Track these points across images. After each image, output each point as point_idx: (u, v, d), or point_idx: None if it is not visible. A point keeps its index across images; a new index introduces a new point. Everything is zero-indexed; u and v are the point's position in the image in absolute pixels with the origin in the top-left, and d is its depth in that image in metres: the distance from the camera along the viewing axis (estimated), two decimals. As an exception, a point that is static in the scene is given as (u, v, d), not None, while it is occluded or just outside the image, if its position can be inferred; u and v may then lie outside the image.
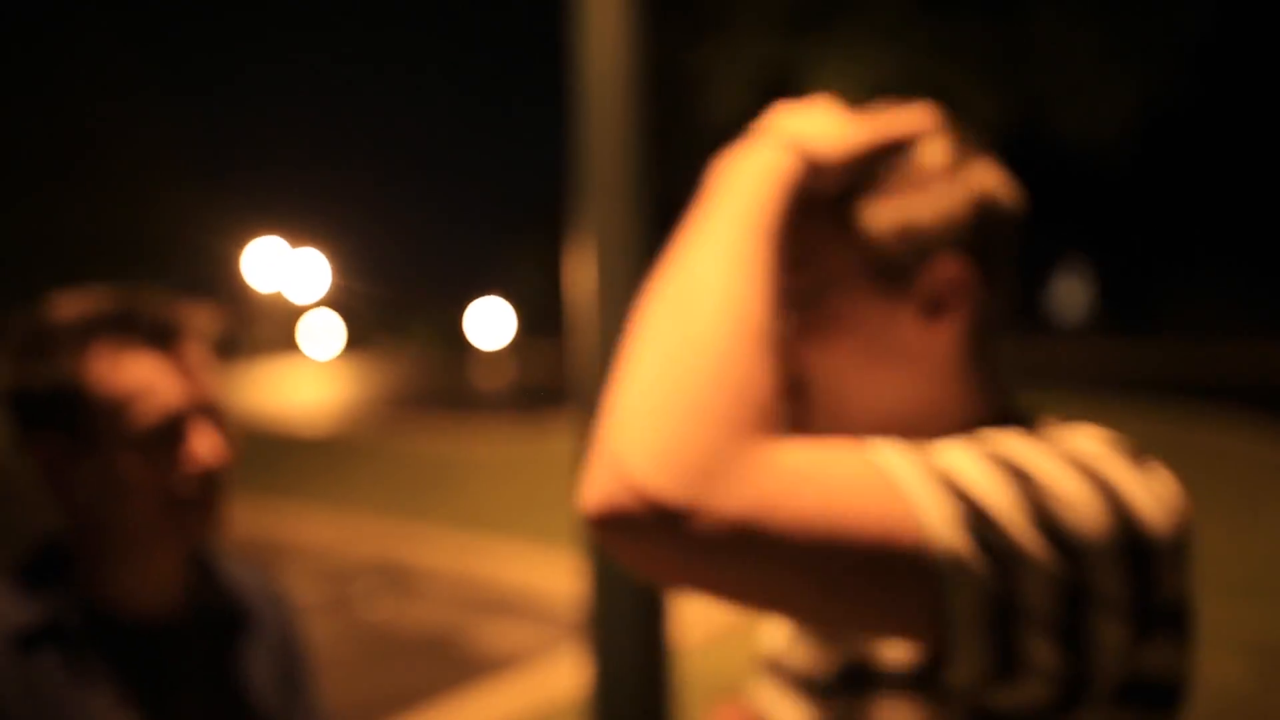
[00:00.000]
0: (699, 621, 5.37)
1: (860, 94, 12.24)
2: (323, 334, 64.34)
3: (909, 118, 0.93)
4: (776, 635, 1.11)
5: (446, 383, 26.16)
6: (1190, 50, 13.53)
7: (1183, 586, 0.80)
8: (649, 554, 0.70)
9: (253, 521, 9.45)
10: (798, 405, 0.92)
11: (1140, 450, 0.82)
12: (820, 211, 0.91)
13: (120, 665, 1.18)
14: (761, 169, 0.86)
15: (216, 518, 1.22)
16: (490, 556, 7.79)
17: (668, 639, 2.16)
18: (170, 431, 1.17)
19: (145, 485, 1.15)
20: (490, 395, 22.85)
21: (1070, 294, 36.46)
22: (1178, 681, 0.82)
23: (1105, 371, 19.56)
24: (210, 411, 1.21)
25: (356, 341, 64.16)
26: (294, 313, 55.36)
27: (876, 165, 0.91)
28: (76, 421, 1.14)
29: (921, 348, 0.91)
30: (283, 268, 46.73)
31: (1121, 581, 0.73)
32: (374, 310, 66.59)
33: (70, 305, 1.19)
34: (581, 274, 1.97)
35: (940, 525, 0.71)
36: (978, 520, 0.72)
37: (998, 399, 0.95)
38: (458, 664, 5.73)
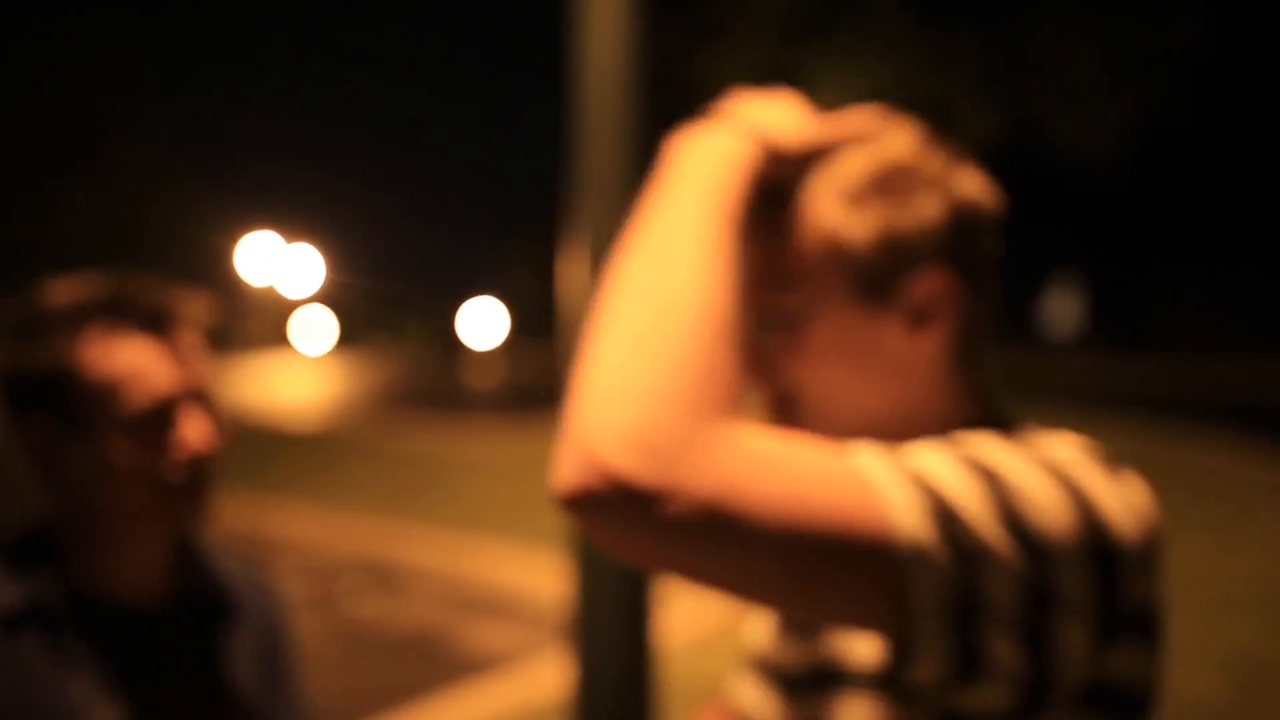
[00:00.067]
0: (684, 625, 5.38)
1: (857, 103, 12.29)
2: (315, 330, 64.19)
3: (868, 119, 0.95)
4: (759, 630, 1.12)
5: (438, 381, 26.11)
6: (1186, 65, 13.59)
7: (1151, 594, 0.81)
8: (618, 535, 0.71)
9: (241, 516, 9.42)
10: (789, 417, 0.93)
11: (1115, 458, 0.83)
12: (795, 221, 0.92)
13: (103, 649, 1.18)
14: (722, 154, 0.86)
15: (204, 505, 1.23)
16: (478, 556, 7.78)
17: (651, 641, 2.16)
18: (161, 417, 1.17)
19: (134, 470, 1.16)
20: (482, 395, 22.82)
21: (1062, 308, 36.56)
22: (1145, 688, 0.83)
23: (1096, 386, 19.62)
24: (201, 398, 1.21)
25: (349, 338, 64.03)
26: (287, 307, 55.22)
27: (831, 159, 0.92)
28: (68, 405, 1.14)
29: (908, 357, 0.92)
30: (277, 262, 46.62)
31: (1086, 585, 0.74)
32: (367, 307, 66.46)
33: (63, 290, 1.19)
34: (576, 275, 1.98)
35: (905, 516, 0.72)
36: (944, 515, 0.73)
37: (983, 405, 0.96)
38: (442, 663, 5.72)
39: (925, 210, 0.90)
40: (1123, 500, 0.77)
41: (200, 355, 1.22)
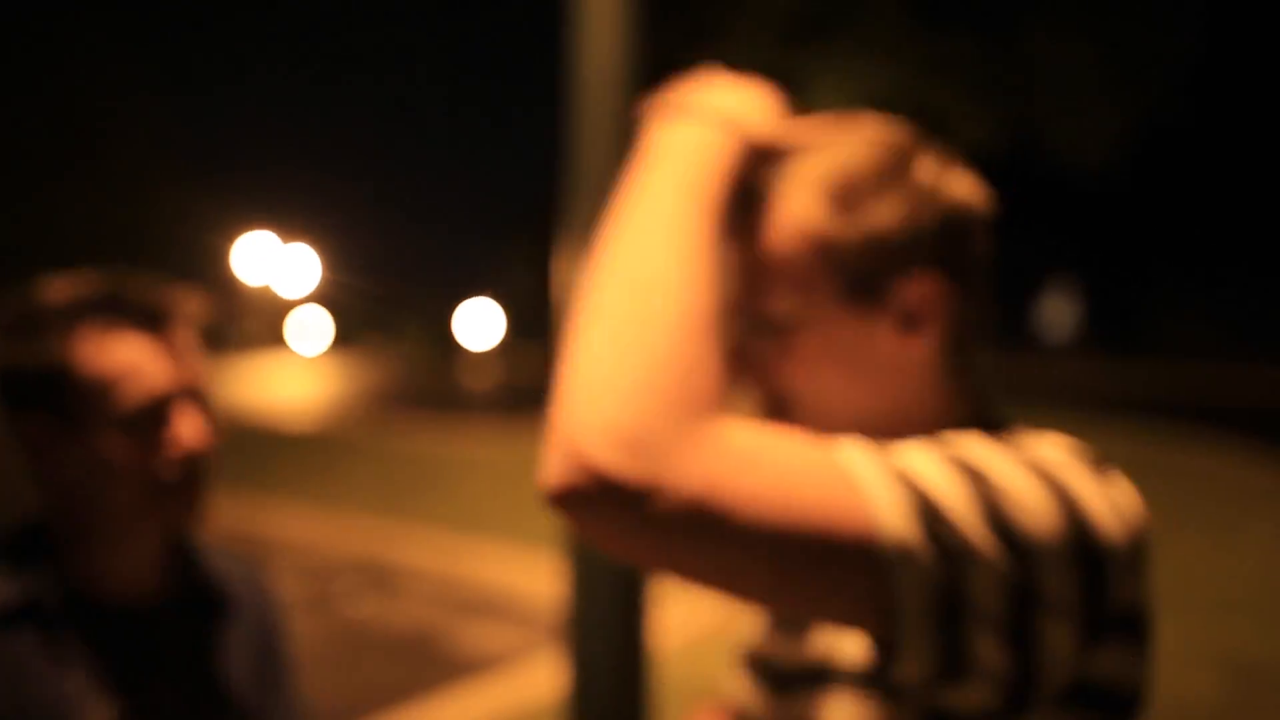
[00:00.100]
0: (679, 625, 5.38)
1: (855, 106, 12.27)
2: (311, 330, 64.14)
3: (846, 120, 0.95)
4: (753, 627, 1.12)
5: (434, 382, 26.09)
6: (1183, 67, 13.62)
7: (1138, 595, 0.81)
8: (606, 531, 0.71)
9: (236, 516, 9.41)
10: (783, 418, 0.93)
11: (1103, 460, 0.83)
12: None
13: (98, 647, 1.19)
14: (700, 145, 0.86)
15: (199, 503, 1.23)
16: (473, 557, 7.78)
17: (646, 642, 2.16)
18: (155, 414, 1.17)
19: (128, 467, 1.16)
20: (477, 396, 22.81)
21: (1058, 312, 36.61)
22: (1133, 689, 0.83)
23: (1092, 389, 19.64)
24: (196, 396, 1.22)
25: (345, 338, 63.97)
26: (283, 307, 55.15)
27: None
28: (63, 402, 1.15)
29: (899, 360, 0.92)
30: (273, 262, 46.59)
31: (1072, 586, 0.74)
32: (363, 307, 66.43)
33: (59, 287, 1.19)
34: (571, 275, 1.97)
35: (890, 514, 0.72)
36: (928, 513, 0.73)
37: (974, 407, 0.96)
38: (438, 664, 5.71)
39: (916, 212, 0.90)
40: (1110, 502, 0.78)
41: (195, 353, 1.23)
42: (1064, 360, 27.41)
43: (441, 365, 34.37)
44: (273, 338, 50.73)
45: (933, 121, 13.06)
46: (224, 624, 1.33)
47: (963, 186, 0.93)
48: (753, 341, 0.93)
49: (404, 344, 58.96)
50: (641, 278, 0.77)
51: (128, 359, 1.15)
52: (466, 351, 47.47)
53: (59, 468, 1.18)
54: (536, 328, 43.62)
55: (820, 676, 0.96)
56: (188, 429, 1.19)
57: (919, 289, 0.90)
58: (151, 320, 1.18)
